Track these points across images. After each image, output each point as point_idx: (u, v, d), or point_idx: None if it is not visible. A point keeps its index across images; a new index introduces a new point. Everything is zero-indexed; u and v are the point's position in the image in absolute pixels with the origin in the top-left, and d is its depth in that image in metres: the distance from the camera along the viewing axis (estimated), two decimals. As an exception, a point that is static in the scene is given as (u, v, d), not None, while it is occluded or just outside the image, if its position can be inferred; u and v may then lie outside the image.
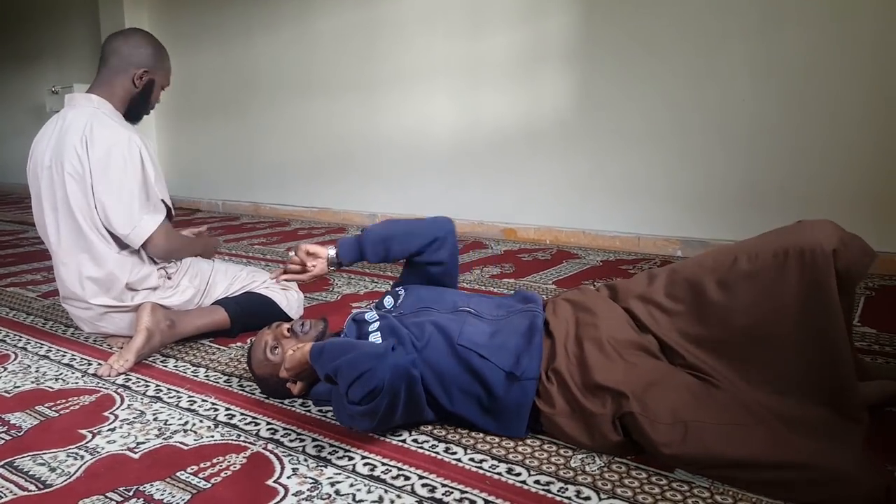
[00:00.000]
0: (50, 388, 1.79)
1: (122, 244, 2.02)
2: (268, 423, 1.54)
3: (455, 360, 1.44)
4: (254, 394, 1.72)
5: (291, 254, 1.81)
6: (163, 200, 2.02)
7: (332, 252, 1.78)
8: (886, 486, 1.15)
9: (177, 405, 1.66)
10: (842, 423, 1.25)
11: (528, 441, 1.43)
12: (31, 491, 1.27)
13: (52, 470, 1.34)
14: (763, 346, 1.32)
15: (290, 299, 2.27)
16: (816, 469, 1.16)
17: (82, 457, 1.40)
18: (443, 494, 1.24)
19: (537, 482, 1.27)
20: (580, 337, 1.45)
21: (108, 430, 1.52)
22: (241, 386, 1.78)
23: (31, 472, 1.34)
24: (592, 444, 1.36)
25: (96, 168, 1.93)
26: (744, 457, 1.20)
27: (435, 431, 1.48)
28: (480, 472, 1.31)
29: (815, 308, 1.26)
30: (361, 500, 1.23)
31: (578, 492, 1.24)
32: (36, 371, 1.91)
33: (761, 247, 1.34)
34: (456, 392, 1.44)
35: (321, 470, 1.33)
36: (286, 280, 1.84)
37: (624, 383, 1.33)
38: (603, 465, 1.33)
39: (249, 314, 2.17)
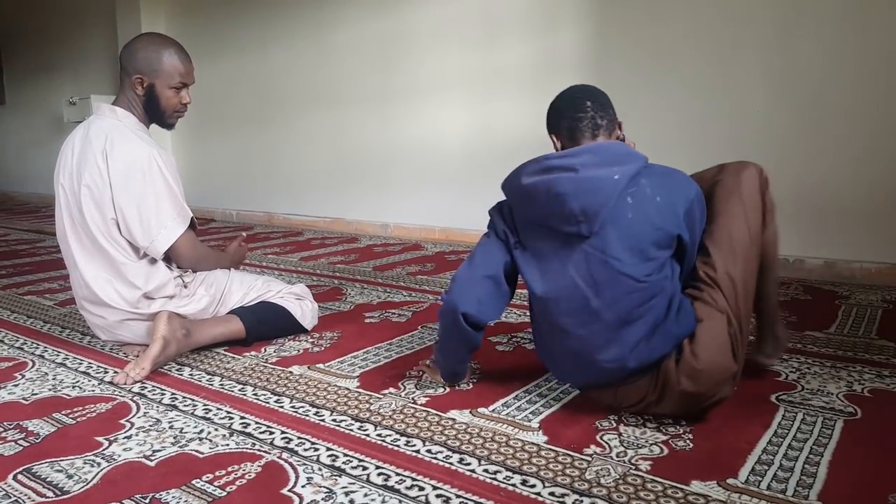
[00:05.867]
0: (67, 395, 1.81)
1: (139, 253, 2.04)
2: (282, 432, 1.55)
3: None
4: (268, 403, 1.72)
5: None
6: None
7: None
8: None
9: (192, 413, 1.67)
10: None
11: (543, 453, 1.43)
12: (48, 497, 1.28)
13: (70, 477, 1.35)
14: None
15: (305, 309, 2.28)
16: None
17: (99, 464, 1.41)
18: (457, 505, 1.24)
19: (552, 494, 1.27)
20: None
21: (125, 437, 1.53)
22: (255, 395, 1.78)
23: (48, 479, 1.35)
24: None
25: (116, 182, 1.97)
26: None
27: (449, 442, 1.48)
28: (494, 483, 1.31)
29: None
30: (376, 510, 1.23)
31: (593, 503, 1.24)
32: (53, 378, 1.93)
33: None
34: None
35: (335, 479, 1.33)
36: None
37: None
38: (618, 477, 1.32)
39: (264, 323, 2.18)
